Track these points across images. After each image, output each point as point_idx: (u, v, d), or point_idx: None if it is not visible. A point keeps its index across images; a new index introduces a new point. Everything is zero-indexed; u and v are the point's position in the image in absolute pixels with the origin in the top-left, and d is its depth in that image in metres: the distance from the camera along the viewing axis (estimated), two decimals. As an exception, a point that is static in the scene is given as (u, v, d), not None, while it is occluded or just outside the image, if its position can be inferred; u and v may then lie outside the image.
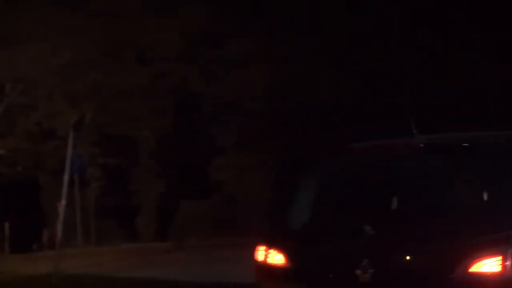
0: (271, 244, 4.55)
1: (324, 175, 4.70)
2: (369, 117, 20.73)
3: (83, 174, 19.18)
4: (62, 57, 22.60)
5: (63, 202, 14.76)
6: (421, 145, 4.38)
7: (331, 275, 4.23)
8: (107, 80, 23.96)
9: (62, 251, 14.88)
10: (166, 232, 23.63)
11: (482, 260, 3.90)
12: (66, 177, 14.54)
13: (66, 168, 14.42)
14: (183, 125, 25.55)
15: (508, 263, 3.83)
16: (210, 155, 25.86)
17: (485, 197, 4.10)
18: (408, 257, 4.11)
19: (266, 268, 4.54)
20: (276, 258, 4.47)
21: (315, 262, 4.31)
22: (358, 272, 4.04)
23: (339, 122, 21.70)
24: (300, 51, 21.83)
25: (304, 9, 24.32)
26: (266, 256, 4.54)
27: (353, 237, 4.21)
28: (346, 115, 21.84)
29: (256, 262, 4.62)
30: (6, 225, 23.96)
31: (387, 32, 22.72)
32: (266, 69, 23.24)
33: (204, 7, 23.66)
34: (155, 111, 24.92)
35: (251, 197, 25.66)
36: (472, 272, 3.89)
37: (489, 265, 3.88)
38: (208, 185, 25.76)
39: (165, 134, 25.63)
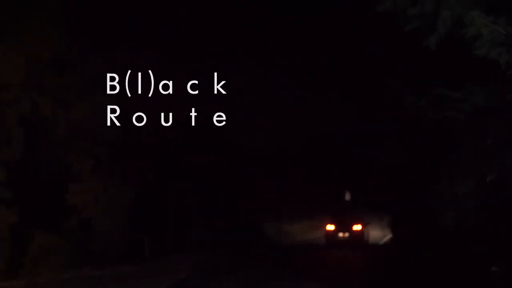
0: (332, 224, 31.69)
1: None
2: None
3: None
4: None
5: None
6: None
7: (341, 227, 31.43)
8: None
9: None
10: (18, 268, 22.58)
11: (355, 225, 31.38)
12: None
13: None
14: (35, 152, 24.65)
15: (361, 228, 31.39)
16: (66, 182, 25.20)
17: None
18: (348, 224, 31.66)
19: (331, 231, 31.47)
20: (331, 227, 31.55)
21: (338, 226, 31.51)
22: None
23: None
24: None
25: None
26: (331, 227, 31.44)
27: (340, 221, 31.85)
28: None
29: (326, 230, 31.77)
30: None
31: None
32: (113, 96, 22.93)
33: (50, 31, 22.89)
34: (1, 139, 23.80)
35: (107, 221, 25.30)
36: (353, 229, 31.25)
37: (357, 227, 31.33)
38: (64, 212, 25.05)
39: (15, 161, 24.52)
